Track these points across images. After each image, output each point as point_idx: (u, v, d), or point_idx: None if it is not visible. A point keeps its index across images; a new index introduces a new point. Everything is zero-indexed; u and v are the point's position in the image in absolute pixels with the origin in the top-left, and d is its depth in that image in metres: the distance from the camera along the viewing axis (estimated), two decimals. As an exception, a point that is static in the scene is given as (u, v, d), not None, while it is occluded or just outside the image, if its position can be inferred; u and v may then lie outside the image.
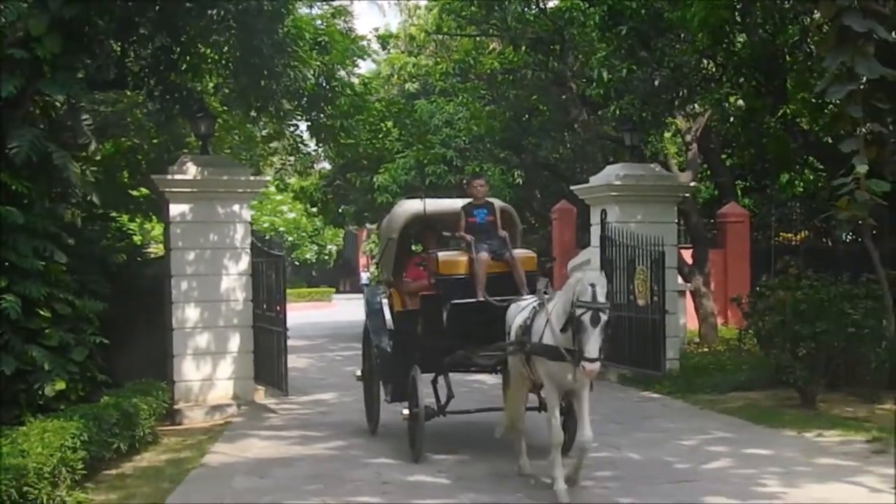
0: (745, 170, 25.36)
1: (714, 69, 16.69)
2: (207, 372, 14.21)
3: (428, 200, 11.53)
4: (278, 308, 14.30)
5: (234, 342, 14.40)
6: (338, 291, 59.22)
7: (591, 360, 7.85)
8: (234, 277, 14.42)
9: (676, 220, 17.47)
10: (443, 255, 10.64)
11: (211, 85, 17.00)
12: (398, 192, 24.75)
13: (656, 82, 16.42)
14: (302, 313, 39.73)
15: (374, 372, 11.73)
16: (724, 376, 15.07)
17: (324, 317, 38.66)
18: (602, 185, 16.25)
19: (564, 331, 8.24)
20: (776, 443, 10.80)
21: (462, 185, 23.51)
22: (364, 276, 57.80)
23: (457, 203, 11.22)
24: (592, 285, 7.95)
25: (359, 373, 12.36)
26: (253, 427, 12.80)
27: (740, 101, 19.64)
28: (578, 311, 7.92)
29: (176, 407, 13.71)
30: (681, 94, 16.97)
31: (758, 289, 14.01)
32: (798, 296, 12.75)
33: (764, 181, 25.14)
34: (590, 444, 8.57)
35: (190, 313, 14.16)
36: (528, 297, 9.63)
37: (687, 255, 20.02)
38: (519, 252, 10.78)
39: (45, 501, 7.92)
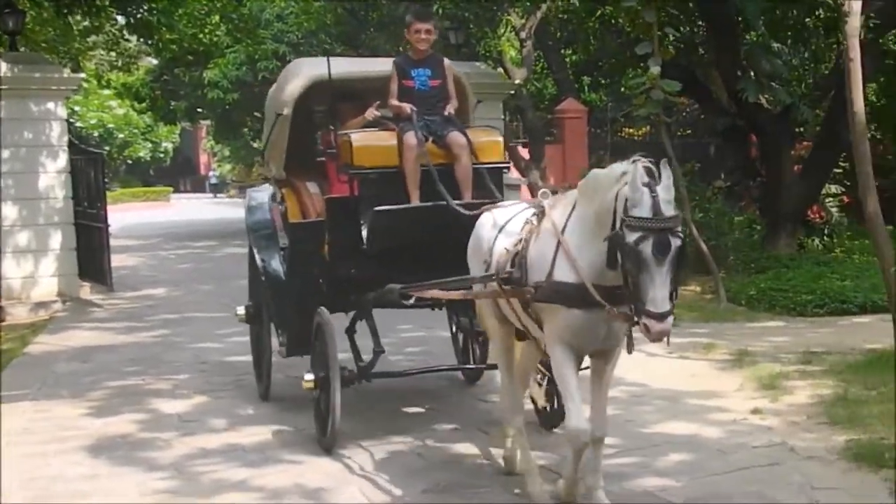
0: (590, 66, 26.08)
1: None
2: (29, 269, 14.30)
3: (338, 60, 8.08)
4: (99, 205, 14.60)
5: (56, 239, 14.52)
6: (177, 191, 58.36)
7: (660, 317, 4.56)
8: (52, 175, 14.46)
9: (503, 117, 18.16)
10: (359, 136, 7.05)
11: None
12: (229, 88, 24.80)
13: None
14: (137, 213, 39.45)
15: (264, 310, 8.20)
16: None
17: (160, 217, 38.36)
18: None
19: (613, 266, 4.77)
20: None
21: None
22: (213, 175, 57.13)
23: (384, 64, 7.59)
24: (650, 187, 4.60)
25: (241, 310, 8.64)
26: (77, 320, 13.11)
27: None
28: (631, 237, 4.57)
29: (-1, 305, 13.88)
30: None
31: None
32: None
33: (613, 77, 25.94)
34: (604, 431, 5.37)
35: (8, 211, 14.17)
36: (512, 201, 6.47)
37: (525, 151, 20.91)
38: (476, 133, 7.25)
39: None
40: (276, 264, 7.91)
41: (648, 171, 4.64)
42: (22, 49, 15.12)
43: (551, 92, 26.23)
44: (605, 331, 5.12)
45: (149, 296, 15.50)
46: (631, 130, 24.37)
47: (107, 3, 16.92)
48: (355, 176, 6.94)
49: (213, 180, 55.81)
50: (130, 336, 11.75)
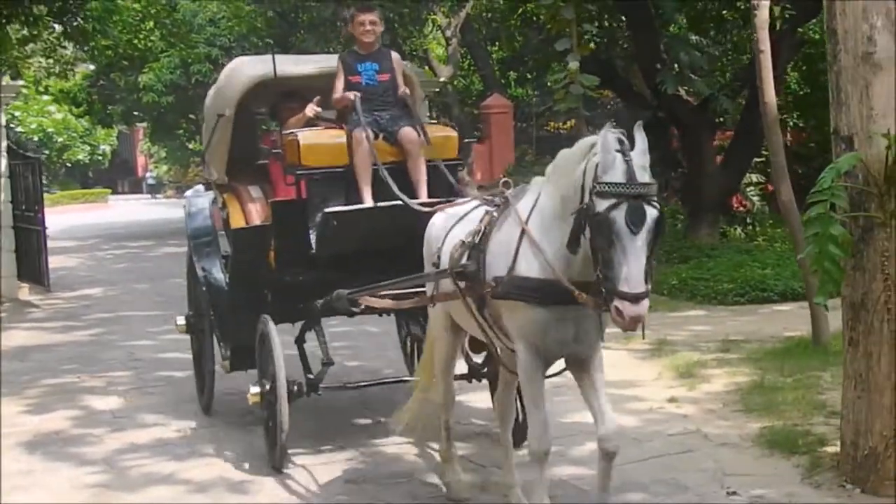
0: (516, 61, 26.27)
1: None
2: (-31, 272, 14.42)
3: (282, 57, 7.43)
4: (37, 208, 14.87)
5: (-5, 242, 14.67)
6: (115, 192, 57.79)
7: (634, 298, 4.00)
8: (-9, 180, 14.65)
9: (429, 114, 18.28)
10: (307, 135, 6.59)
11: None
12: (164, 91, 24.85)
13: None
14: (76, 215, 39.06)
15: (205, 320, 7.70)
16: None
17: (99, 218, 37.94)
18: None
19: (573, 248, 4.32)
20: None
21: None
22: (149, 177, 56.70)
23: (329, 60, 7.26)
24: (623, 153, 4.12)
25: (181, 320, 8.12)
26: (16, 321, 13.19)
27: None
28: (601, 204, 4.06)
29: (-64, 307, 13.93)
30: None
31: (501, 176, 15.14)
32: (527, 181, 13.96)
33: (538, 72, 26.05)
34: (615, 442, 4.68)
35: (-53, 216, 14.31)
36: (466, 198, 5.92)
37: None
38: (430, 129, 6.78)
39: None
40: (218, 273, 7.49)
41: (619, 140, 4.16)
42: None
43: (478, 88, 26.26)
44: (573, 332, 4.58)
45: (85, 296, 15.59)
46: (557, 124, 24.55)
47: (44, 12, 16.92)
48: (303, 177, 6.47)
49: (151, 181, 55.35)
50: (67, 335, 11.90)
